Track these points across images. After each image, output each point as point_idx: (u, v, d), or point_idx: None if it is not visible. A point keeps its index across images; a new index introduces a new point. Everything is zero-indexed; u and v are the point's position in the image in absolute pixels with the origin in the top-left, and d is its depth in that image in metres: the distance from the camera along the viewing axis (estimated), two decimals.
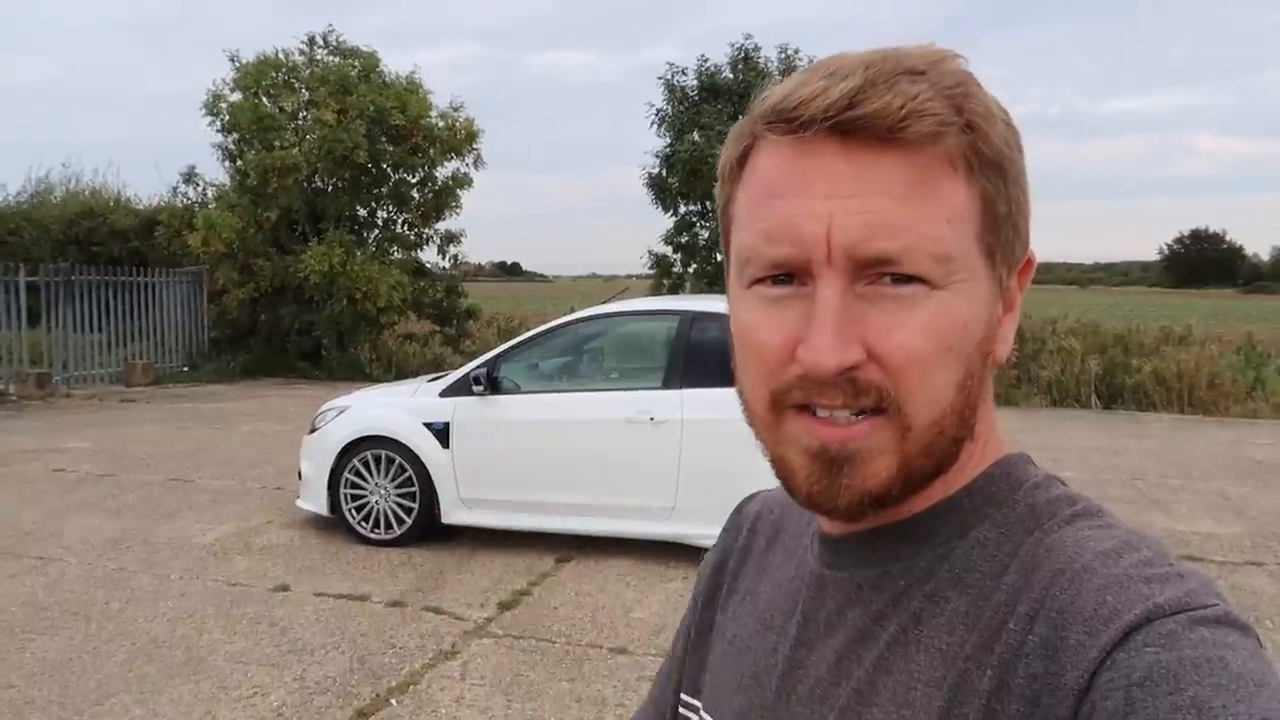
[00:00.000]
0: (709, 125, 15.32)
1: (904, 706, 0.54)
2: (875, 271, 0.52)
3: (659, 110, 16.34)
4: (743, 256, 0.56)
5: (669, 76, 16.44)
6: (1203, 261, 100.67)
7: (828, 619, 0.61)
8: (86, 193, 20.33)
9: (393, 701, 3.65)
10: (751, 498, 0.79)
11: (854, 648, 0.59)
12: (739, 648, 0.69)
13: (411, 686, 3.79)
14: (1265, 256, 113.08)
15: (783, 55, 16.38)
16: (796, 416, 0.55)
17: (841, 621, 0.60)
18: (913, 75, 0.52)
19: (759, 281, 0.55)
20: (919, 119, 0.51)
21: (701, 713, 0.71)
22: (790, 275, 0.54)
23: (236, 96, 15.16)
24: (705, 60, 16.41)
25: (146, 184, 72.46)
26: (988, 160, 0.54)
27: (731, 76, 16.18)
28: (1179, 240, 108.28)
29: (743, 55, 16.30)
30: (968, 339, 0.54)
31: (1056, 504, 0.57)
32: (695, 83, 16.35)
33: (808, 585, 0.64)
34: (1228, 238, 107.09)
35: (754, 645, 0.67)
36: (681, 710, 0.75)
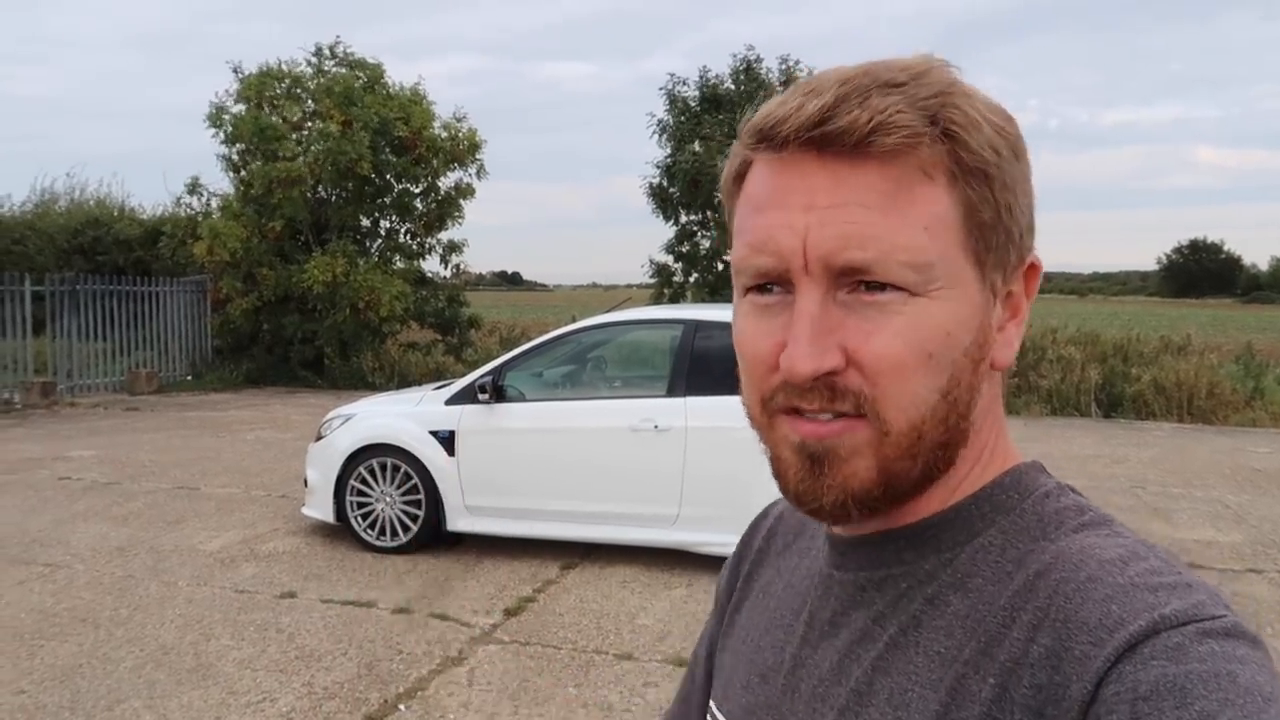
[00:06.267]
0: (710, 135, 15.39)
1: (900, 708, 0.55)
2: (851, 280, 0.54)
3: (660, 121, 16.42)
4: (736, 267, 0.59)
5: (670, 87, 16.53)
6: (1201, 271, 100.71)
7: (832, 619, 0.63)
8: (91, 202, 20.43)
9: (401, 707, 3.68)
10: (776, 502, 0.80)
11: (855, 648, 0.60)
12: (750, 645, 0.70)
13: (419, 692, 3.82)
14: (1264, 266, 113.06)
15: (784, 66, 16.47)
16: (785, 418, 0.57)
17: (845, 622, 0.62)
18: (888, 88, 0.53)
19: (750, 290, 0.58)
20: (886, 132, 0.52)
21: (713, 708, 0.72)
22: (777, 283, 0.57)
23: (239, 108, 15.25)
24: (707, 71, 16.52)
25: (151, 194, 72.61)
26: (969, 167, 0.55)
27: (733, 87, 16.27)
28: (1177, 250, 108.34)
29: (744, 66, 16.39)
30: (951, 346, 0.55)
31: (1065, 513, 0.57)
32: (696, 93, 16.44)
33: (816, 585, 0.66)
34: (1226, 248, 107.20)
35: (764, 643, 0.68)
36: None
